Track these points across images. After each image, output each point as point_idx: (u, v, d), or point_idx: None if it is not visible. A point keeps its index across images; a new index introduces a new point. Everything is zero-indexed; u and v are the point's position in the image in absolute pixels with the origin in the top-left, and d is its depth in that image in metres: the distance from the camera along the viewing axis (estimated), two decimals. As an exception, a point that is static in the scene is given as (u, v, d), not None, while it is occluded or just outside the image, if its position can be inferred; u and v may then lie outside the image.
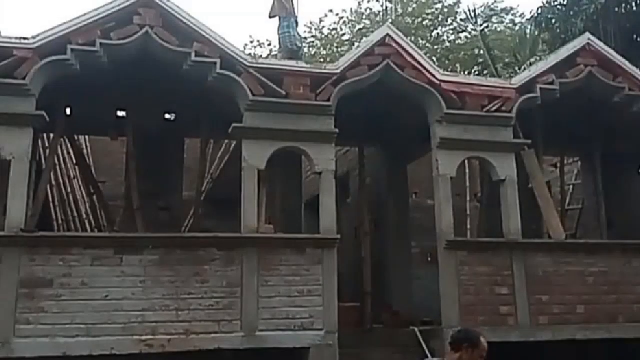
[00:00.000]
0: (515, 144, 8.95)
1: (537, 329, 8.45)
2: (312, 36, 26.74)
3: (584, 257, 8.94)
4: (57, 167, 11.25)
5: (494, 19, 25.43)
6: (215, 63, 7.90)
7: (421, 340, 8.53)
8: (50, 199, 10.92)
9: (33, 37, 7.50)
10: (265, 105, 8.03)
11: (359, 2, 26.35)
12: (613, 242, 9.77)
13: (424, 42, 23.62)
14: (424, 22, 24.75)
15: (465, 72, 19.70)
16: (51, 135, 9.40)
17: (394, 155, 11.15)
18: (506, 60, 21.13)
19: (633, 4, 16.61)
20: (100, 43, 7.61)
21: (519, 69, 17.33)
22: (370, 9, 26.30)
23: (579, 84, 9.20)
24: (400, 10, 25.16)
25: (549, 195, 9.53)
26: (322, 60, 22.68)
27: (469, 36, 24.34)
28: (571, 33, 15.78)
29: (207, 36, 7.95)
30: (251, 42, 27.18)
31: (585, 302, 8.70)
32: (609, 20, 16.13)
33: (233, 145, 10.88)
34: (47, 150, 9.78)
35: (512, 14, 25.67)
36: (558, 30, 17.50)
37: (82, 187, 11.28)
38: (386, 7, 25.49)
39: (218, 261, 7.62)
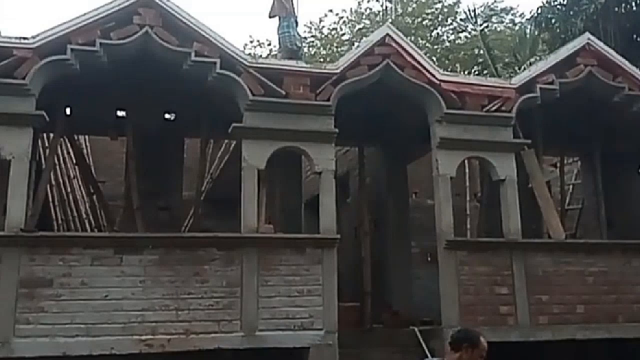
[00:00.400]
0: (515, 144, 8.95)
1: (537, 329, 8.45)
2: (312, 36, 26.76)
3: (584, 257, 8.93)
4: (57, 167, 11.24)
5: (494, 19, 25.45)
6: (215, 63, 7.90)
7: (421, 340, 8.53)
8: (50, 199, 10.92)
9: (33, 37, 7.50)
10: (265, 105, 8.03)
11: (359, 2, 26.38)
12: (613, 242, 9.77)
13: (424, 42, 23.63)
14: (424, 22, 24.76)
15: (465, 72, 19.71)
16: (51, 135, 9.40)
17: (394, 155, 11.15)
18: (506, 60, 21.14)
19: (633, 4, 16.63)
20: (100, 43, 7.61)
21: (519, 69, 17.34)
22: (370, 9, 26.33)
23: (579, 84, 9.20)
24: (400, 10, 25.18)
25: (549, 195, 9.53)
26: (322, 60, 22.69)
27: (469, 36, 24.35)
28: (571, 33, 15.79)
29: (207, 36, 7.95)
30: (251, 42, 27.22)
31: (585, 302, 8.70)
32: (609, 20, 16.14)
33: (233, 145, 10.88)
34: (47, 150, 9.78)
35: (512, 14, 25.71)
36: (558, 30, 17.51)
37: (82, 187, 11.28)
38: (386, 7, 25.52)
39: (218, 261, 7.62)
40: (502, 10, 25.64)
